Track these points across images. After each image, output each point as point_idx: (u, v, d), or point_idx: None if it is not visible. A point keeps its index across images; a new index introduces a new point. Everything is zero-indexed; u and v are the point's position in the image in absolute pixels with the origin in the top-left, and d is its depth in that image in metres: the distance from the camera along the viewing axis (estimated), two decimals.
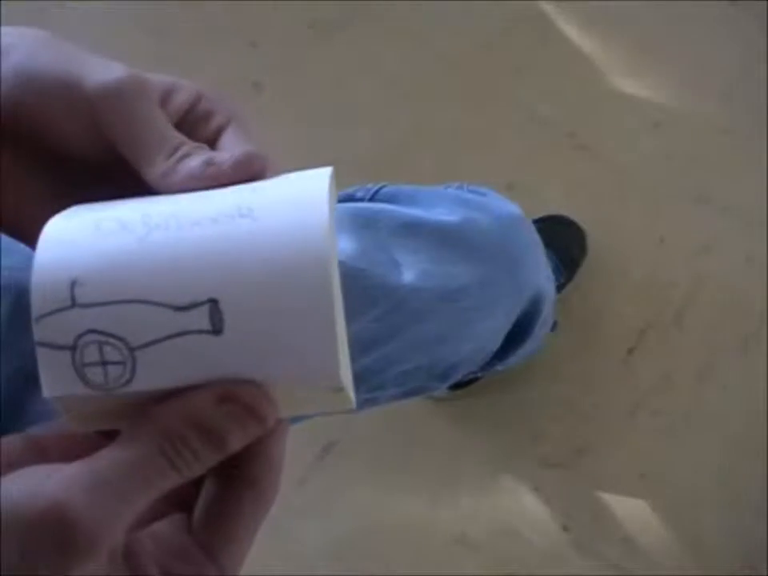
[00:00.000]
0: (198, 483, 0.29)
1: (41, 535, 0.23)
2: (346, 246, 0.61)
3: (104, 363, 0.27)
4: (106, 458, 0.25)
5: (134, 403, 0.27)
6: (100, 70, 0.30)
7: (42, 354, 0.27)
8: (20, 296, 0.46)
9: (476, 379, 1.10)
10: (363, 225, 0.63)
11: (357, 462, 1.17)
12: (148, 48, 1.41)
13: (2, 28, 0.32)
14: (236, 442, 0.27)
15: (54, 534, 0.23)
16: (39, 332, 0.27)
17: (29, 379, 0.48)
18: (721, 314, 1.20)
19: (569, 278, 1.18)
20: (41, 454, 0.28)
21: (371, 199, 0.71)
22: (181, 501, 0.29)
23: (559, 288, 1.09)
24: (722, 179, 1.26)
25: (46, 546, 0.23)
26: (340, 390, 0.27)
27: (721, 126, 1.30)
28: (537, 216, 1.13)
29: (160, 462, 0.26)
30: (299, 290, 0.27)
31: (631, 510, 1.12)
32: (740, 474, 1.11)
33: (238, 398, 0.26)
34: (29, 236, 0.29)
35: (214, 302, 0.26)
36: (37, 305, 0.27)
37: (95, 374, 0.27)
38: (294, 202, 0.28)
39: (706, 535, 1.09)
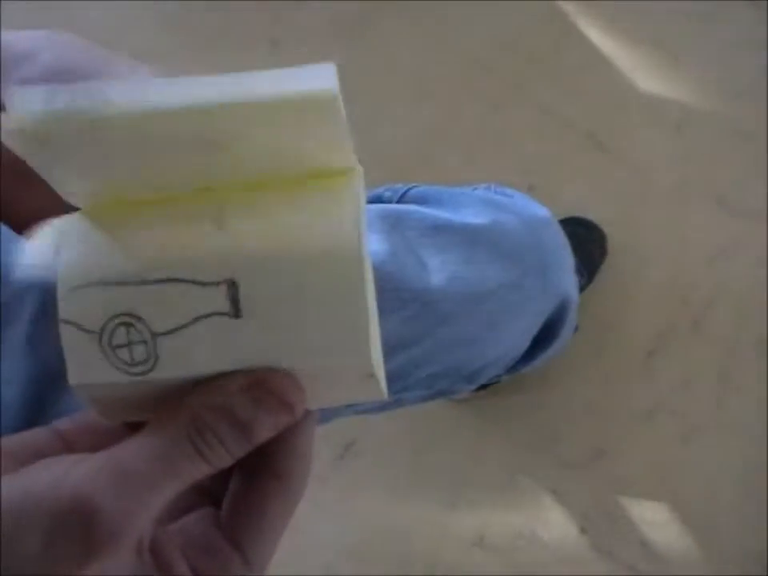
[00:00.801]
0: (228, 476, 0.29)
1: (64, 526, 0.23)
2: (374, 247, 0.60)
3: (130, 346, 0.26)
4: (131, 448, 0.25)
5: (160, 394, 0.27)
6: (128, 69, 0.31)
7: (66, 334, 0.26)
8: (46, 294, 0.46)
9: (498, 381, 1.09)
10: (392, 226, 0.63)
11: (376, 462, 1.17)
12: (167, 46, 1.41)
13: (30, 31, 0.32)
14: (264, 431, 0.26)
15: (76, 524, 0.23)
16: (65, 310, 0.26)
17: (53, 379, 0.48)
18: (740, 316, 1.19)
19: (589, 280, 1.18)
20: (67, 445, 0.28)
21: (399, 200, 0.71)
22: (211, 494, 0.29)
23: (579, 290, 1.08)
24: (743, 182, 1.26)
25: (69, 537, 0.23)
26: (370, 375, 0.27)
27: (742, 129, 1.29)
28: (557, 218, 1.12)
29: (187, 451, 0.25)
30: (328, 266, 0.26)
31: (649, 513, 1.12)
32: (758, 477, 1.11)
33: (267, 385, 0.26)
34: None
35: (234, 283, 0.26)
36: (64, 282, 0.26)
37: (121, 359, 0.26)
38: (325, 188, 0.27)
39: (723, 538, 1.09)
